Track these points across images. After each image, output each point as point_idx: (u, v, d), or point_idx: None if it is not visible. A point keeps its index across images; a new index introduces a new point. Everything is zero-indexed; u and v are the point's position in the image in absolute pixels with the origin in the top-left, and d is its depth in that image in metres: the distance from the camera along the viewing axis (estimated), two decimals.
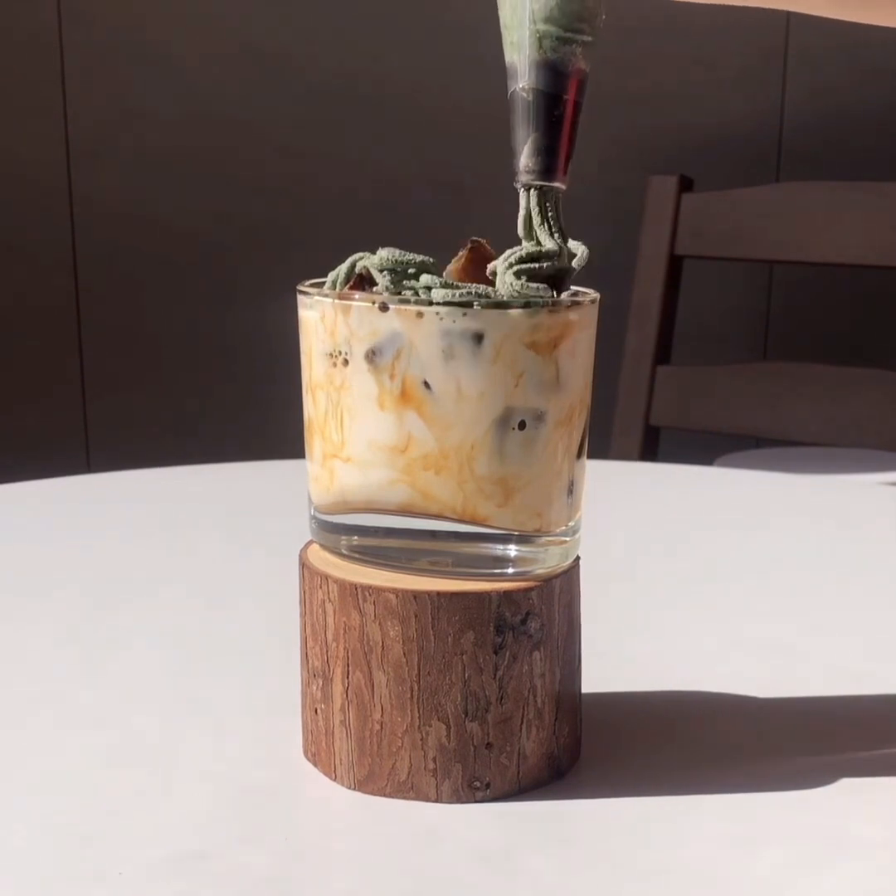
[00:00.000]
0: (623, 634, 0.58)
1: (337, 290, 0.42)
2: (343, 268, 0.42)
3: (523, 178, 0.42)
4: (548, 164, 0.41)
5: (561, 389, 0.41)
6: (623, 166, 1.71)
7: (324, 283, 0.43)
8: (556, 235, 0.42)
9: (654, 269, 1.38)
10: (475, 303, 0.40)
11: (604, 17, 0.41)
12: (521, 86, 0.41)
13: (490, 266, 0.42)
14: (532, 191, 0.42)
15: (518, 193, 0.42)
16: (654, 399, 1.38)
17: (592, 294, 0.43)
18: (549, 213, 0.42)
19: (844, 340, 1.78)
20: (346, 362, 0.41)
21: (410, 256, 0.41)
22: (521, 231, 0.42)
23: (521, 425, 0.41)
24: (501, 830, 0.41)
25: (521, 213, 0.42)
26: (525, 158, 0.41)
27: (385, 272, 0.41)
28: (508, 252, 0.42)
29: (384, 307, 0.40)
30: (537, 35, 0.40)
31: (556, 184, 0.42)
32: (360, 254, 0.41)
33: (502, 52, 0.41)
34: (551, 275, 0.41)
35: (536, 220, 0.42)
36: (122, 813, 0.42)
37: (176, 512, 0.82)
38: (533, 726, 0.43)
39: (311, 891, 0.39)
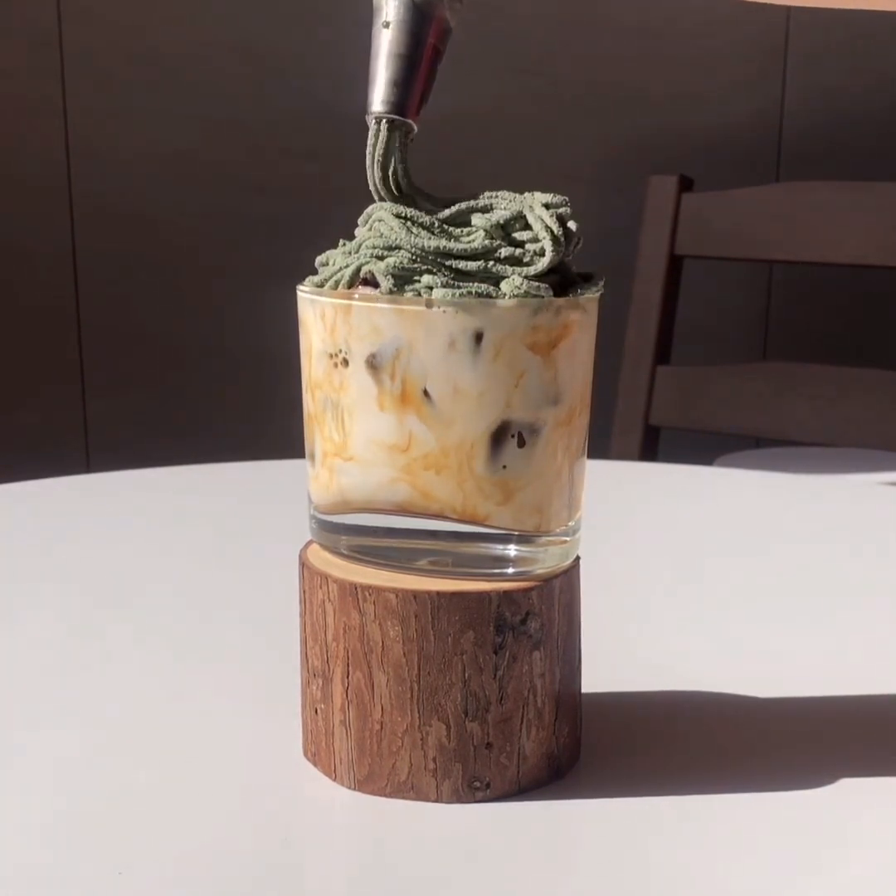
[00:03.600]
0: (623, 634, 0.58)
1: (339, 291, 0.42)
2: (347, 272, 0.41)
3: (376, 108, 0.42)
4: (403, 98, 0.42)
5: (561, 389, 0.41)
6: (623, 166, 1.71)
7: (324, 283, 0.43)
8: (402, 180, 0.42)
9: (654, 268, 1.38)
10: (475, 302, 0.40)
11: None
12: (384, 20, 0.42)
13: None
14: (383, 123, 0.42)
15: (372, 127, 0.42)
16: (653, 399, 1.38)
17: (593, 294, 0.43)
18: (397, 149, 0.42)
19: (844, 340, 1.78)
20: (346, 363, 0.41)
21: (408, 226, 0.41)
22: (368, 166, 0.42)
23: (520, 442, 0.41)
24: (501, 830, 0.41)
25: (368, 145, 0.42)
26: (380, 90, 0.42)
27: (389, 276, 0.40)
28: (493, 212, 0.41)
29: (383, 304, 0.40)
30: None
31: (409, 120, 0.42)
32: (366, 258, 0.41)
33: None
34: (553, 282, 0.41)
35: (381, 157, 0.42)
36: (121, 813, 0.42)
37: (175, 512, 0.82)
38: (533, 726, 0.43)
39: (311, 891, 0.39)
